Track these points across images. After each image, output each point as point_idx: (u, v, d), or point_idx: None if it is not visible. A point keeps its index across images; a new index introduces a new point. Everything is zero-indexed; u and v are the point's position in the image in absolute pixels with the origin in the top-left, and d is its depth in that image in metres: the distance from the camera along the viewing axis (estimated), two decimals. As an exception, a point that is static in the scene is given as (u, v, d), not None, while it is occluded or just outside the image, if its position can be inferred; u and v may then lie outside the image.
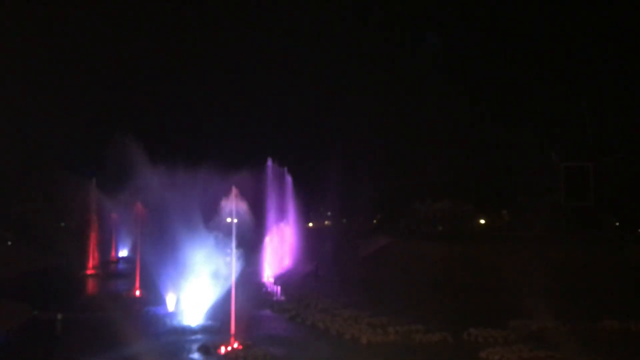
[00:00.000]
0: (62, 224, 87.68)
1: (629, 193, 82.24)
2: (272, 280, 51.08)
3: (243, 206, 33.46)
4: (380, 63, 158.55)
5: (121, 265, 72.88)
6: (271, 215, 59.64)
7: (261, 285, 49.79)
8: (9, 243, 74.65)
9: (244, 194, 33.44)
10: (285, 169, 65.27)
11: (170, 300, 37.98)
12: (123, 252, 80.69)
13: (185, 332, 32.11)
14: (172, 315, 35.87)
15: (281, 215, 63.36)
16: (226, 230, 32.61)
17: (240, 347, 27.33)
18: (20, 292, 45.20)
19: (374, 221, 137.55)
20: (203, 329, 32.27)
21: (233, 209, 31.00)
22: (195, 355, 27.49)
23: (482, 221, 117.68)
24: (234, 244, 30.22)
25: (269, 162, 59.99)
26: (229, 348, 27.20)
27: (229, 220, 33.77)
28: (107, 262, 72.28)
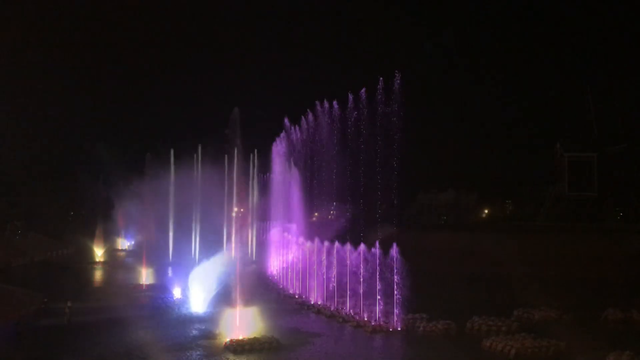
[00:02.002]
0: (72, 214, 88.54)
1: (632, 184, 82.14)
2: (276, 270, 51.39)
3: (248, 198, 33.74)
4: (386, 55, 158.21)
5: (129, 256, 73.49)
6: (276, 207, 59.68)
7: (266, 275, 50.13)
8: (19, 233, 75.22)
9: (248, 186, 33.66)
10: (291, 159, 65.17)
11: (177, 290, 38.46)
12: (130, 243, 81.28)
13: (191, 320, 32.48)
14: (179, 304, 36.34)
15: (286, 206, 63.38)
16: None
17: (245, 335, 27.60)
18: (30, 281, 45.72)
19: (379, 211, 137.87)
20: (209, 318, 32.57)
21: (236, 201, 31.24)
22: (201, 343, 27.72)
23: (486, 211, 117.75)
24: (237, 235, 30.52)
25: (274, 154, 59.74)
26: (234, 337, 27.49)
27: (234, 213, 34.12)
28: (114, 252, 72.91)
